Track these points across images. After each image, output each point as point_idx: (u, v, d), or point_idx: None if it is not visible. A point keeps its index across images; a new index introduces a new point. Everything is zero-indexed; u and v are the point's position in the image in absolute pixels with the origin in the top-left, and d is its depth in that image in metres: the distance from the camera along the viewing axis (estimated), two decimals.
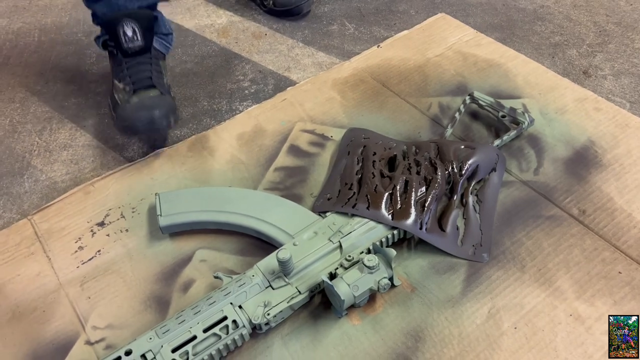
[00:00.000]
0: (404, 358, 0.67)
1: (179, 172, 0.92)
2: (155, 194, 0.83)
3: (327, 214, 0.78)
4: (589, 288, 0.71)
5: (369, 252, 0.74)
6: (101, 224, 0.85)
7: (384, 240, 0.75)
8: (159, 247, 0.81)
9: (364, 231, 0.75)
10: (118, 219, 0.85)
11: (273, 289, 0.70)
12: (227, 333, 0.66)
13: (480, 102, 0.94)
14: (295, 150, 0.94)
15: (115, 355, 0.64)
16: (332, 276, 0.72)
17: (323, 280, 0.68)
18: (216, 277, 0.72)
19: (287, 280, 0.71)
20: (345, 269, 0.71)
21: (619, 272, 0.72)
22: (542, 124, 0.93)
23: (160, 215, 0.80)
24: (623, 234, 0.77)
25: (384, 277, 0.69)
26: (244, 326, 0.67)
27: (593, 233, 0.77)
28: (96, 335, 0.71)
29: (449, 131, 0.91)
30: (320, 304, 0.73)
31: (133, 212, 0.86)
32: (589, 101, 0.97)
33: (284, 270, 0.70)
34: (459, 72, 1.05)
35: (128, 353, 0.64)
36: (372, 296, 0.72)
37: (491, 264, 0.75)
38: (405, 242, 0.78)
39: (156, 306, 0.74)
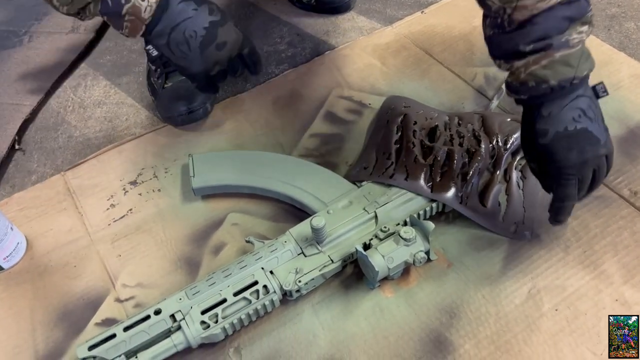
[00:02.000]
0: (437, 334, 0.65)
1: (213, 135, 0.90)
2: (189, 155, 0.82)
3: (363, 183, 0.75)
4: (637, 273, 0.67)
5: (405, 224, 0.71)
6: (134, 183, 0.84)
7: (421, 212, 0.73)
8: (191, 209, 0.80)
9: (401, 202, 0.72)
10: (151, 179, 0.85)
11: (305, 256, 0.68)
12: (258, 298, 0.65)
13: None
14: (331, 116, 0.91)
15: (144, 314, 0.63)
16: (366, 247, 0.69)
17: (356, 250, 0.66)
18: (248, 242, 0.71)
19: (319, 248, 0.69)
20: (380, 240, 0.69)
21: None
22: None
23: (193, 176, 0.79)
24: None
25: (420, 251, 0.67)
26: (274, 292, 0.65)
27: None
28: (126, 293, 0.71)
29: (495, 103, 0.86)
30: (353, 274, 0.71)
31: (166, 172, 0.85)
32: None
33: (317, 237, 0.68)
34: None
35: (157, 312, 0.63)
36: (406, 269, 0.70)
37: (533, 243, 0.72)
38: (443, 215, 0.75)
39: (186, 267, 0.73)
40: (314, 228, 0.66)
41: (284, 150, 0.86)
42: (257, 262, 0.67)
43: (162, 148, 0.89)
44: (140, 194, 0.83)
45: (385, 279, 0.69)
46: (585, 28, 0.58)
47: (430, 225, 0.67)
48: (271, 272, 0.67)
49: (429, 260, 0.70)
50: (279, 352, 0.65)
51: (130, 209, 0.81)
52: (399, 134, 0.81)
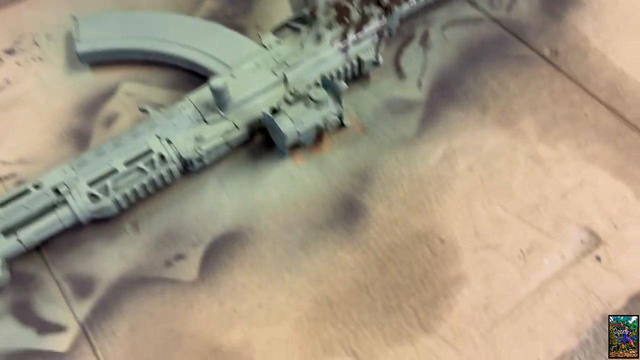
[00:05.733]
0: (349, 198, 0.62)
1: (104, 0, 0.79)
2: (73, 17, 0.71)
3: (272, 43, 0.68)
4: (553, 130, 0.66)
5: (317, 86, 0.65)
6: (10, 52, 0.73)
7: (334, 74, 0.67)
8: (78, 78, 0.71)
9: (312, 64, 0.66)
10: (30, 47, 0.73)
11: (207, 123, 0.62)
12: (154, 168, 0.59)
13: None
14: None
15: (22, 188, 0.56)
16: (275, 111, 0.63)
17: (263, 114, 0.60)
18: (142, 110, 0.64)
19: (222, 114, 0.62)
20: (290, 103, 0.63)
21: (586, 115, 0.67)
22: None
23: (79, 40, 0.69)
24: (594, 76, 0.70)
25: (332, 113, 0.62)
26: (172, 161, 0.59)
27: (563, 74, 0.70)
28: (5, 170, 0.63)
29: None
30: (262, 143, 0.66)
31: (48, 39, 0.74)
32: None
33: (219, 101, 0.61)
34: None
35: (37, 186, 0.56)
36: (319, 136, 0.65)
37: (451, 104, 0.68)
38: (359, 79, 0.70)
39: (75, 141, 0.66)
40: (213, 90, 0.60)
41: (184, 12, 0.76)
42: (151, 130, 0.60)
43: (43, 13, 0.77)
44: (18, 64, 0.72)
45: (297, 146, 0.64)
46: None
47: (343, 85, 0.62)
48: (168, 141, 0.60)
49: (342, 126, 0.66)
50: (181, 224, 0.60)
51: (8, 80, 0.70)
52: None
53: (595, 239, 0.59)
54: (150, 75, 0.71)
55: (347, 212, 0.61)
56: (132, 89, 0.70)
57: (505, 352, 0.52)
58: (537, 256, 0.58)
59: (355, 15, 0.69)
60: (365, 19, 0.69)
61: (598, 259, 0.57)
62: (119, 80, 0.70)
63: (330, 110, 0.62)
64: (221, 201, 0.61)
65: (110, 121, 0.67)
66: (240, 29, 0.74)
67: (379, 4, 0.71)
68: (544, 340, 0.53)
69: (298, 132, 0.61)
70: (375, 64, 0.68)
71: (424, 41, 0.74)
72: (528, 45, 0.73)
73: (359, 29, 0.68)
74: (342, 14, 0.69)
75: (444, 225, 0.60)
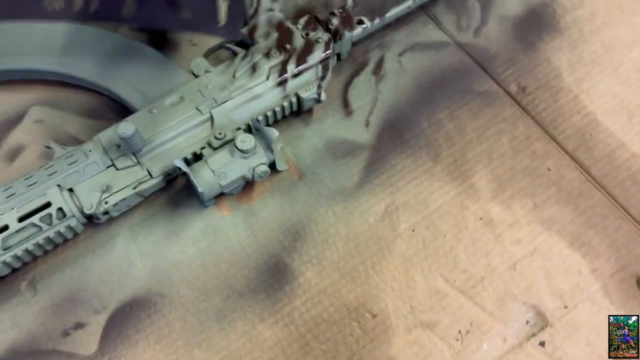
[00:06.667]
0: (277, 260, 0.55)
1: None
2: None
3: (202, 71, 0.60)
4: (509, 186, 0.59)
5: (248, 129, 0.58)
6: None
7: (269, 114, 0.59)
8: None
9: (244, 100, 0.58)
10: None
11: (117, 169, 0.54)
12: (51, 224, 0.52)
13: None
14: None
15: None
16: (197, 157, 0.56)
17: (176, 164, 0.53)
18: (47, 148, 0.56)
19: (135, 159, 0.55)
20: (214, 149, 0.56)
21: (548, 169, 0.60)
22: None
23: None
24: (563, 121, 0.63)
25: (262, 164, 0.55)
26: (73, 216, 0.52)
27: (529, 117, 0.63)
28: None
29: None
30: (184, 187, 0.59)
31: None
32: None
33: (129, 147, 0.54)
34: None
35: None
36: (249, 182, 0.58)
37: (400, 149, 0.61)
38: (300, 115, 0.62)
39: None
40: (121, 137, 0.52)
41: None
42: (50, 178, 0.53)
43: None
44: None
45: (223, 194, 0.57)
46: None
47: (274, 132, 0.55)
48: (71, 190, 0.53)
49: (276, 170, 0.59)
50: (84, 285, 0.54)
51: None
52: None
53: (542, 320, 0.53)
54: (66, 98, 0.62)
55: (272, 276, 0.55)
56: (43, 114, 0.62)
57: None
58: (476, 338, 0.52)
59: (298, 41, 0.61)
60: (309, 47, 0.60)
61: (542, 344, 0.52)
62: (28, 103, 0.62)
63: (259, 160, 0.55)
64: (131, 259, 0.55)
65: (14, 155, 0.59)
66: (170, 46, 0.65)
67: (327, 28, 0.62)
68: None
69: (220, 185, 0.54)
70: (317, 101, 0.60)
71: (378, 69, 0.65)
72: (494, 78, 0.65)
73: (300, 59, 0.60)
74: (283, 39, 0.61)
75: (378, 297, 0.54)
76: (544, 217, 0.58)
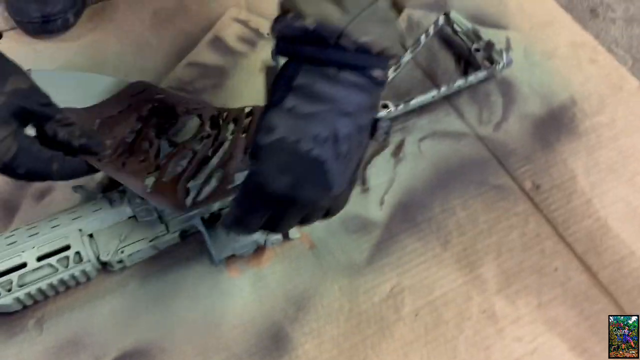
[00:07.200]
0: (278, 328, 0.56)
1: (71, 47, 0.74)
2: (29, 70, 0.66)
3: None
4: (515, 282, 0.60)
5: None
6: None
7: None
8: None
9: None
10: None
11: (137, 220, 0.57)
12: (67, 266, 0.54)
13: (455, 26, 0.75)
14: (219, 43, 0.76)
15: None
16: (214, 217, 0.58)
17: (196, 224, 0.55)
18: (76, 191, 0.59)
19: (156, 213, 0.57)
20: None
21: (555, 269, 0.61)
22: (522, 68, 0.76)
23: None
24: (574, 223, 0.64)
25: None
26: (89, 261, 0.54)
27: (540, 215, 0.64)
28: None
29: (407, 57, 0.73)
30: (198, 244, 0.60)
31: None
32: (586, 48, 0.79)
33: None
34: None
35: None
36: (260, 246, 0.60)
37: (411, 231, 0.62)
38: None
39: None
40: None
41: (151, 77, 0.71)
42: (73, 222, 0.55)
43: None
44: None
45: (234, 256, 0.59)
46: None
47: None
48: (91, 236, 0.55)
49: (288, 238, 0.60)
50: (89, 329, 0.55)
51: None
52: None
53: None
54: None
55: (271, 343, 0.55)
56: None
57: None
58: None
59: None
60: None
61: None
62: None
63: None
64: (138, 308, 0.56)
65: (42, 195, 0.62)
66: None
67: None
68: None
69: (233, 247, 0.56)
70: None
71: (398, 152, 0.68)
72: (510, 174, 0.67)
73: None
74: None
75: None
76: (548, 317, 0.58)
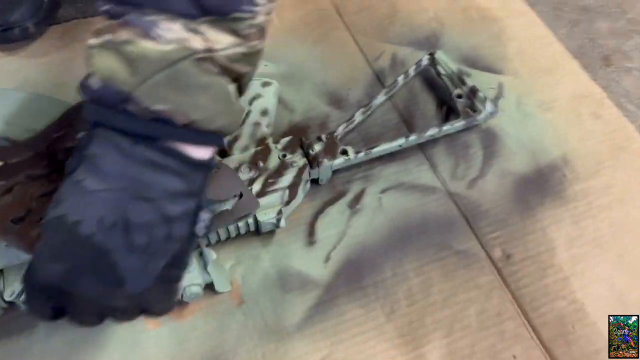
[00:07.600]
0: None
1: (33, 64, 0.72)
2: None
3: None
4: None
5: None
6: None
7: (221, 230, 0.56)
8: None
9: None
10: None
11: None
12: None
13: (438, 67, 0.69)
14: None
15: None
16: None
17: None
18: None
19: None
20: None
21: (514, 357, 0.53)
22: (512, 118, 0.68)
23: None
24: (545, 303, 0.56)
25: (195, 284, 0.52)
26: None
27: (506, 291, 0.56)
28: None
29: (380, 99, 0.67)
30: None
31: None
32: (590, 101, 0.71)
33: None
34: (438, 17, 0.79)
35: None
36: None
37: (354, 295, 0.56)
38: (262, 234, 0.59)
39: None
40: None
41: None
42: None
43: None
44: None
45: None
46: (209, 32, 0.36)
47: (212, 254, 0.52)
48: (1, 272, 0.52)
49: (216, 292, 0.55)
50: None
51: None
52: None
53: None
54: None
55: None
56: None
57: None
58: None
59: (273, 161, 0.59)
60: (281, 169, 0.58)
61: None
62: None
63: (192, 280, 0.52)
64: (45, 355, 0.52)
65: None
66: None
67: (306, 153, 0.60)
68: None
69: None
70: (276, 226, 0.57)
71: (355, 203, 0.62)
72: (478, 238, 0.60)
73: (269, 180, 0.57)
74: (259, 156, 0.59)
75: None
76: None
